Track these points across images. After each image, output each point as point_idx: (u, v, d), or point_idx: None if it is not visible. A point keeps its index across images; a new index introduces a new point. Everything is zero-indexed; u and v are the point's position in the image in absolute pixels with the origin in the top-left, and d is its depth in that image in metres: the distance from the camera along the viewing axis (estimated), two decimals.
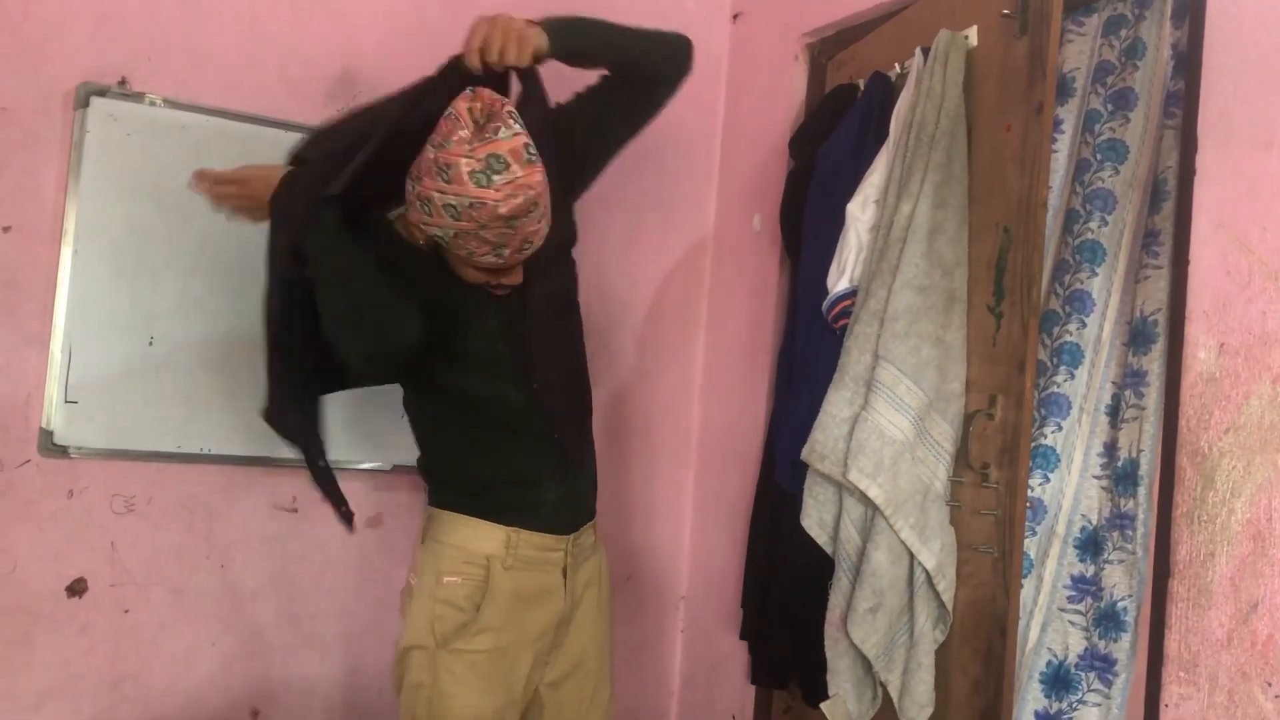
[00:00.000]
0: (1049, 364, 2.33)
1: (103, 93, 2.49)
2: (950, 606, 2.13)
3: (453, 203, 1.80)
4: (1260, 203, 1.81)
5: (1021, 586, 2.18)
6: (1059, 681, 2.24)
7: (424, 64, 2.80)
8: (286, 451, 2.66)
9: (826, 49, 2.92)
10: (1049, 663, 2.25)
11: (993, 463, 2.12)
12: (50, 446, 2.46)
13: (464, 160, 1.77)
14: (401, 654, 2.06)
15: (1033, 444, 2.25)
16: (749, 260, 3.05)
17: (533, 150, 1.81)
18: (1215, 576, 1.82)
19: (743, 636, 2.78)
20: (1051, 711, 2.23)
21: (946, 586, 2.12)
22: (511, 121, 1.81)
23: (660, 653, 3.23)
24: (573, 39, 2.01)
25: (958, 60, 2.28)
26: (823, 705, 2.23)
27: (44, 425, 2.46)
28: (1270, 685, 1.71)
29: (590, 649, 2.18)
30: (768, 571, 2.68)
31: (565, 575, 2.11)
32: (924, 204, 2.21)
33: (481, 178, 1.77)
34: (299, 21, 2.70)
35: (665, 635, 3.24)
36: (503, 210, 1.79)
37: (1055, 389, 2.31)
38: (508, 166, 1.78)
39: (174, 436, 2.57)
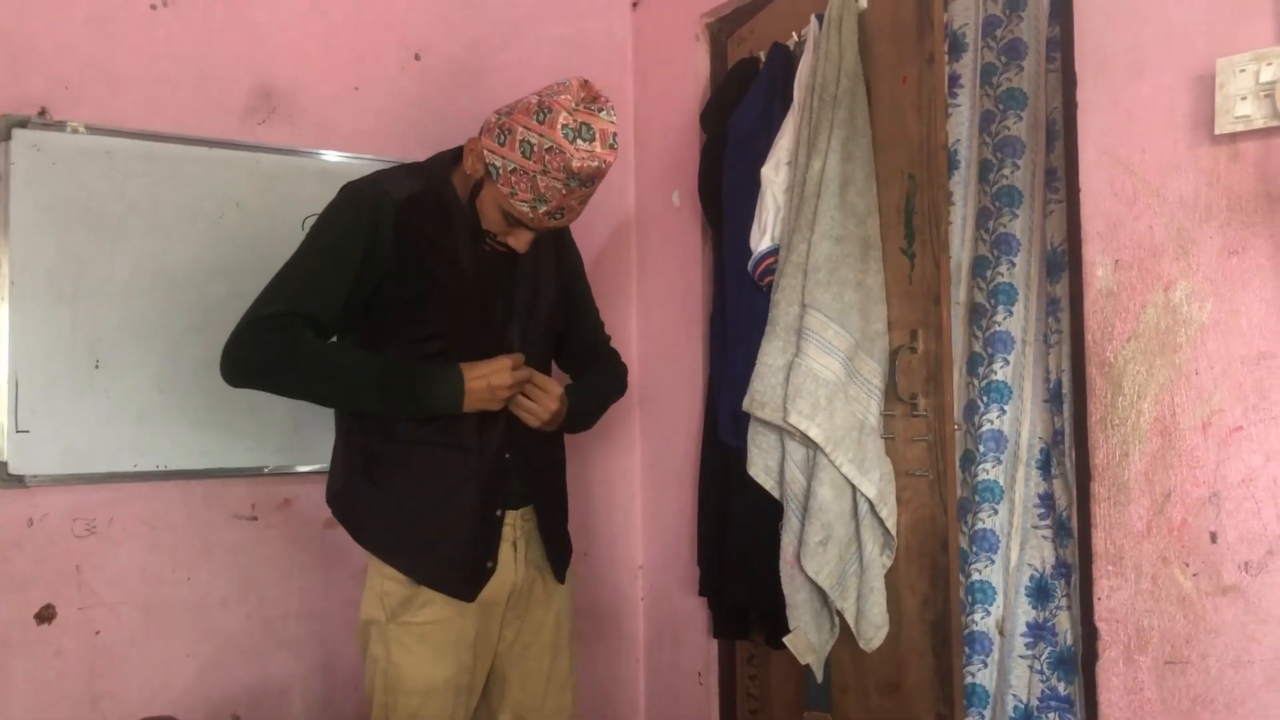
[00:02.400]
0: (988, 305, 2.43)
1: (24, 124, 2.53)
2: (894, 531, 2.26)
3: (533, 140, 1.99)
4: (1138, 127, 1.96)
5: (996, 513, 2.32)
6: (1041, 592, 2.36)
7: (336, 75, 2.90)
8: (240, 461, 2.74)
9: (725, 27, 3.04)
10: (1031, 577, 2.35)
11: (919, 392, 2.26)
12: (5, 477, 2.49)
13: (563, 114, 1.98)
14: (361, 627, 2.18)
15: (984, 381, 2.37)
16: (673, 234, 3.16)
17: (616, 142, 2.04)
18: (1131, 474, 1.96)
19: (702, 593, 2.89)
20: (1039, 621, 2.35)
21: (889, 513, 2.25)
22: (611, 111, 2.04)
23: (621, 622, 3.34)
24: (572, 422, 2.30)
25: (851, 22, 2.41)
26: (785, 640, 2.35)
27: None
28: (1188, 565, 1.86)
29: (549, 623, 2.30)
30: (720, 526, 2.79)
31: (515, 548, 2.21)
32: (833, 159, 2.33)
33: (569, 133, 1.98)
34: (211, 38, 2.75)
35: (626, 604, 3.34)
36: (574, 165, 1.98)
37: (997, 328, 2.41)
38: (594, 138, 1.99)
39: (129, 456, 2.61)
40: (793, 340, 2.33)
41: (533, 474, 2.24)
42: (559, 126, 1.97)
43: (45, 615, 2.53)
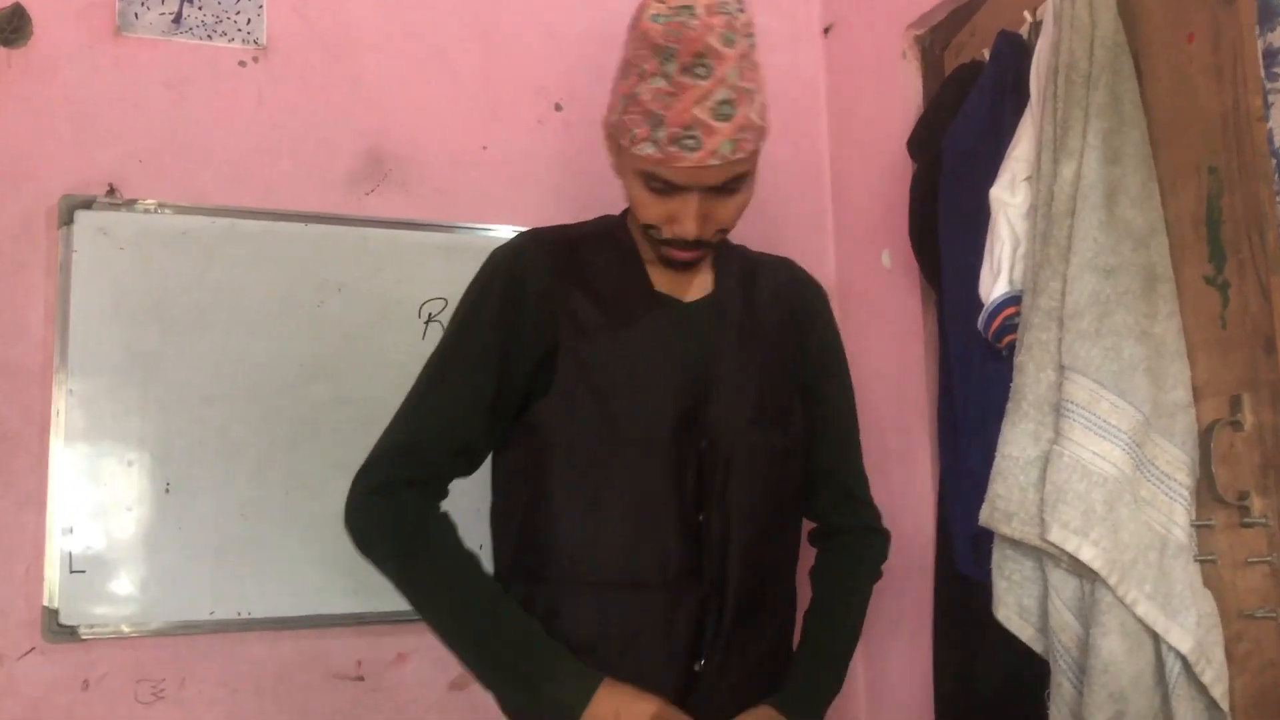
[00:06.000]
0: None
1: (89, 204, 2.14)
2: (1226, 704, 1.47)
3: (627, 55, 1.52)
4: None
5: None
6: None
7: (460, 133, 2.42)
8: (341, 606, 2.20)
9: (939, 37, 2.40)
10: None
11: (1252, 489, 1.48)
12: (56, 629, 2.04)
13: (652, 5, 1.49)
14: None
15: None
16: (884, 303, 2.48)
17: (724, 10, 1.47)
18: None
19: None
20: None
21: (1215, 676, 1.47)
22: None
23: None
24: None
25: None
26: None
27: (47, 604, 2.04)
28: None
29: None
30: (965, 693, 2.04)
31: None
32: (1091, 161, 1.64)
33: (652, 15, 1.48)
34: (310, 96, 2.32)
35: None
36: (644, 25, 1.46)
37: None
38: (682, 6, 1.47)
39: (205, 601, 2.12)
40: (1048, 420, 1.61)
41: (737, 691, 1.59)
42: (646, 17, 1.48)
43: None
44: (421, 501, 1.54)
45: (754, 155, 1.52)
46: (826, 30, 2.74)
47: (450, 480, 1.58)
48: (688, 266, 1.59)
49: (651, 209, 1.53)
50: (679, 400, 1.56)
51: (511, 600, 1.52)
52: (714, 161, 1.46)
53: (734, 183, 1.50)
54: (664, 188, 1.50)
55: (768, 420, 1.62)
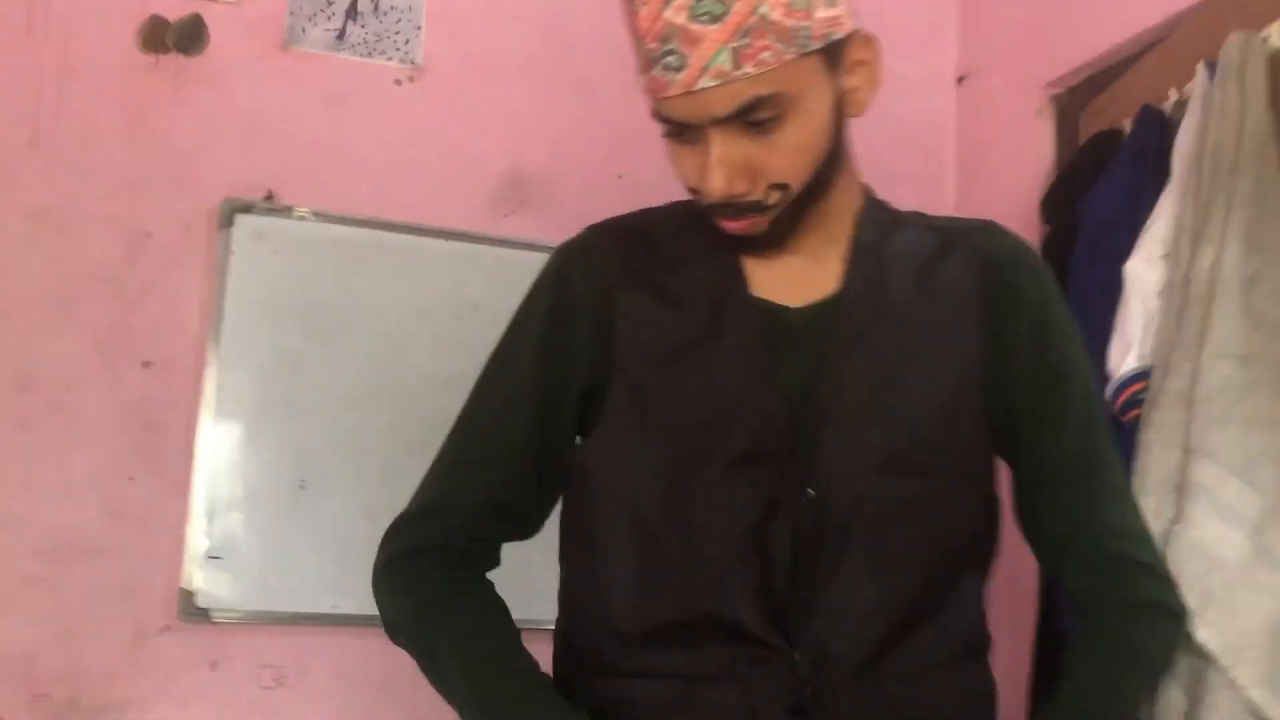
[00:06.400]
0: None
1: (248, 209, 2.25)
2: None
3: None
4: None
5: None
6: None
7: (597, 160, 2.49)
8: None
9: (1076, 98, 2.42)
10: None
11: None
12: (191, 610, 2.15)
13: None
14: None
15: None
16: None
17: None
18: None
19: None
20: None
21: None
22: None
23: None
24: None
25: (1258, 66, 1.75)
26: None
27: (184, 585, 2.15)
28: None
29: None
30: None
31: None
32: (1232, 249, 1.66)
33: None
34: (461, 118, 2.42)
35: None
36: None
37: None
38: None
39: (329, 595, 2.22)
40: (1170, 499, 1.64)
41: None
42: None
43: None
44: (447, 574, 1.23)
45: (791, 71, 1.05)
46: (961, 79, 2.77)
47: (496, 545, 1.27)
48: (755, 246, 1.18)
49: (681, 165, 1.13)
50: (767, 440, 1.13)
51: (555, 704, 1.13)
52: (708, 82, 1.03)
53: (759, 111, 1.05)
54: (676, 131, 1.10)
55: (911, 463, 1.15)
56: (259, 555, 2.20)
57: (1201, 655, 1.57)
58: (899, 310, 1.19)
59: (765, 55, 1.03)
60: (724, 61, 1.03)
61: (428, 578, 1.22)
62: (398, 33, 2.39)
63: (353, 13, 2.36)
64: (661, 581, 1.15)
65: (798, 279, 1.20)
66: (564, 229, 2.42)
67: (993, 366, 1.20)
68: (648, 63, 1.08)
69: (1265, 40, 1.79)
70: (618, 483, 1.18)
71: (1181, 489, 1.63)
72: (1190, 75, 1.92)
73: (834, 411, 1.15)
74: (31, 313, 2.15)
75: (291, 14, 2.33)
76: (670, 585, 1.14)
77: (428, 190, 2.37)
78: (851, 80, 1.13)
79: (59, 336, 2.15)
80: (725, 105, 1.05)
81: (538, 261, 2.33)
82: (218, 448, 2.20)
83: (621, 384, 1.18)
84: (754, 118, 1.06)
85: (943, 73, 2.79)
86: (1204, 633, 1.54)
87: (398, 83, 2.39)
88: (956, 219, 1.30)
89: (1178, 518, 1.61)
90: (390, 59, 2.38)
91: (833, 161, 1.15)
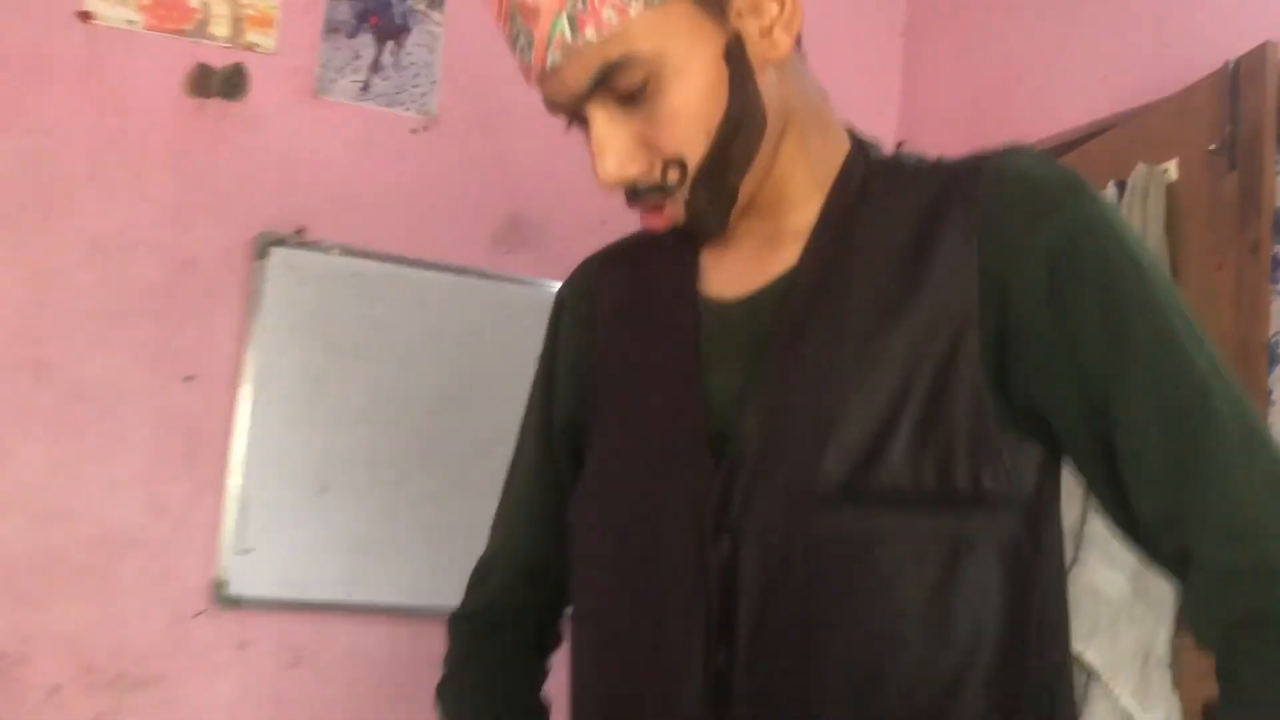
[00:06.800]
0: None
1: (281, 242, 2.52)
2: None
3: None
4: None
5: None
6: None
7: (585, 208, 2.81)
8: (454, 601, 2.63)
9: None
10: None
11: None
12: (224, 597, 2.44)
13: None
14: None
15: None
16: None
17: None
18: None
19: None
20: None
21: None
22: None
23: None
24: None
25: (1158, 196, 2.17)
26: None
27: (218, 575, 2.44)
28: None
29: None
30: None
31: None
32: None
33: None
34: (469, 164, 2.72)
35: None
36: None
37: None
38: None
39: (343, 586, 2.53)
40: (1070, 547, 2.07)
41: None
42: None
43: None
44: (474, 645, 1.14)
45: (645, 25, 0.86)
46: (900, 145, 3.16)
47: (539, 614, 1.14)
48: (698, 240, 0.99)
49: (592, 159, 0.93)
50: (691, 475, 0.92)
51: None
52: (555, 56, 0.87)
53: (618, 80, 0.87)
54: (567, 121, 0.95)
55: (869, 487, 0.85)
56: (284, 549, 2.49)
57: (1087, 671, 2.02)
58: (862, 294, 0.90)
59: (606, 13, 0.85)
60: (563, 30, 0.86)
61: (455, 645, 1.15)
62: (415, 86, 2.67)
63: (376, 66, 2.63)
64: (605, 658, 0.99)
65: (754, 269, 0.97)
66: (555, 266, 2.78)
67: (1006, 351, 0.86)
68: (511, 49, 0.92)
69: (1164, 172, 2.20)
70: (577, 538, 1.04)
71: (1079, 538, 2.06)
72: (1103, 185, 2.32)
73: (754, 428, 0.90)
74: (87, 329, 2.39)
75: (322, 66, 2.59)
76: (609, 666, 0.99)
77: (439, 229, 2.67)
78: (753, 20, 0.90)
79: (110, 352, 2.41)
80: (578, 80, 0.88)
81: (532, 294, 2.74)
82: (249, 454, 2.48)
83: (594, 427, 1.04)
84: (616, 88, 0.88)
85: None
86: (1090, 655, 1.98)
87: (414, 131, 2.67)
88: (969, 157, 0.93)
89: (1075, 561, 2.05)
90: (408, 109, 2.66)
91: (749, 123, 0.90)
